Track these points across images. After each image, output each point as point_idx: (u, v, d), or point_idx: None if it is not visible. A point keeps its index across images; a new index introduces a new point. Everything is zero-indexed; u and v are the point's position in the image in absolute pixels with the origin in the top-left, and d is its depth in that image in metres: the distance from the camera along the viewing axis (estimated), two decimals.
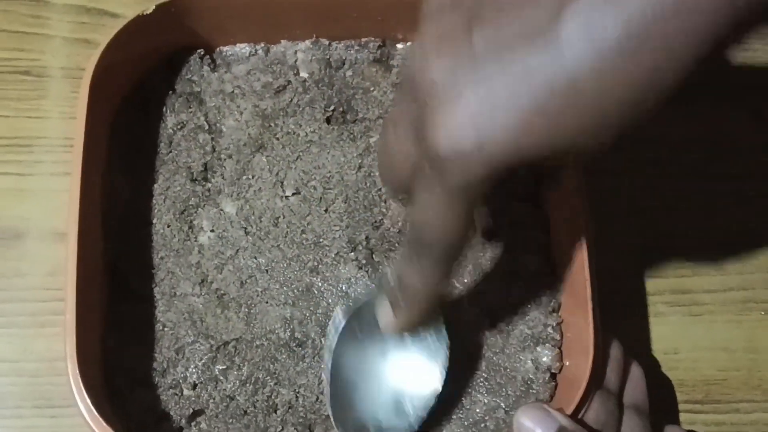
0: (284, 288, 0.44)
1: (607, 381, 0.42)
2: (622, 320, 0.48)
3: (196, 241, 0.45)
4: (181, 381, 0.43)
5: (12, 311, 0.48)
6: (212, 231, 0.46)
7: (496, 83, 0.26)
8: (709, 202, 0.53)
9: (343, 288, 0.45)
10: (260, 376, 0.43)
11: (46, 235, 0.50)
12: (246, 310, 0.44)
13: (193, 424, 0.42)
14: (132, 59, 0.46)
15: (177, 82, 0.48)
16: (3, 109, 0.52)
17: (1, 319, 0.48)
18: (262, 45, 0.49)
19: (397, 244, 0.46)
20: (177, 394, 0.42)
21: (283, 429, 0.42)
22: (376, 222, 0.46)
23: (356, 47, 0.49)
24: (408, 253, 0.33)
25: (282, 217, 0.46)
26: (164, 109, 0.47)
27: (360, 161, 0.47)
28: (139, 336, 0.43)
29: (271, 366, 0.43)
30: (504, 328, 0.44)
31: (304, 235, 0.45)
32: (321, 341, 0.44)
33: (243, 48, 0.49)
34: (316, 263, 0.45)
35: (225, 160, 0.47)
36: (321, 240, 0.45)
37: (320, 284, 0.45)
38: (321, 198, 0.46)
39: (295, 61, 0.49)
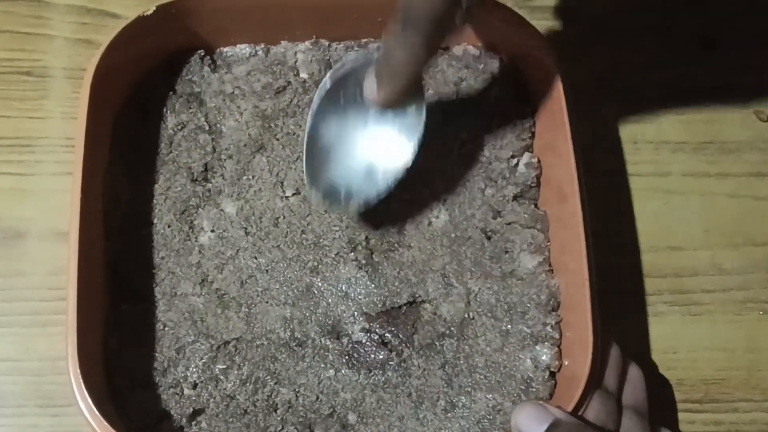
0: (284, 288, 0.45)
1: (606, 381, 0.42)
2: (621, 320, 0.48)
3: (196, 241, 0.46)
4: (181, 380, 0.43)
5: (14, 311, 0.48)
6: (212, 231, 0.46)
7: None
8: (707, 202, 0.53)
9: (343, 288, 0.45)
10: (260, 375, 0.43)
11: (47, 234, 0.50)
12: (246, 309, 0.44)
13: (193, 423, 0.42)
14: (133, 60, 0.46)
15: (177, 83, 0.48)
16: (5, 109, 0.53)
17: (3, 318, 0.48)
18: (263, 46, 0.49)
19: (396, 245, 0.46)
20: (177, 394, 0.43)
21: (283, 428, 0.42)
22: (375, 222, 0.46)
23: (356, 48, 0.49)
24: (396, 27, 0.35)
25: (282, 217, 0.46)
26: (165, 109, 0.48)
27: None
28: (139, 336, 0.43)
29: (271, 365, 0.43)
30: (503, 327, 0.44)
31: (304, 236, 0.46)
32: (321, 341, 0.44)
33: (243, 49, 0.49)
34: (316, 263, 0.45)
35: (225, 160, 0.47)
36: (321, 240, 0.45)
37: (320, 284, 0.45)
38: None
39: (295, 61, 0.49)
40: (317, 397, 0.43)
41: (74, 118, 0.42)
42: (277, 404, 0.43)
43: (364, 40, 0.49)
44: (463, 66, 0.49)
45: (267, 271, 0.45)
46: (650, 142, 0.54)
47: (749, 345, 0.50)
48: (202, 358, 0.43)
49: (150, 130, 0.47)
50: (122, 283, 0.44)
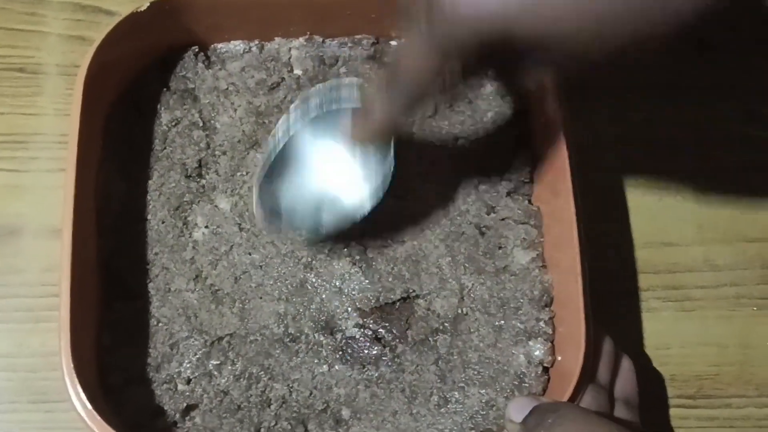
0: (278, 284, 0.45)
1: (599, 375, 0.42)
2: (614, 316, 0.49)
3: (190, 237, 0.46)
4: (175, 376, 0.43)
5: (7, 307, 0.48)
6: (206, 227, 0.46)
7: None
8: (700, 198, 0.53)
9: (337, 284, 0.45)
10: (254, 371, 0.43)
11: (41, 231, 0.50)
12: (240, 305, 0.44)
13: (187, 418, 0.42)
14: (126, 56, 0.46)
15: (171, 79, 0.48)
16: None
17: None
18: (257, 42, 0.49)
19: (389, 241, 0.46)
20: (171, 389, 0.43)
21: (276, 423, 0.42)
22: (369, 218, 0.46)
23: (350, 45, 0.49)
24: (380, 81, 0.37)
25: None
26: (159, 106, 0.48)
27: None
28: (133, 332, 0.43)
29: (265, 361, 0.43)
30: (496, 322, 0.44)
31: (297, 231, 0.46)
32: (315, 337, 0.44)
33: (237, 45, 0.49)
34: (310, 259, 0.45)
35: (219, 156, 0.47)
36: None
37: (314, 280, 0.45)
38: None
39: (289, 58, 0.49)
40: (311, 393, 0.43)
41: (68, 114, 0.42)
42: (270, 399, 0.43)
43: (357, 37, 0.49)
44: None
45: (261, 266, 0.45)
46: (644, 139, 0.54)
47: (742, 341, 0.50)
48: (195, 354, 0.43)
49: (144, 127, 0.47)
50: (116, 279, 0.44)
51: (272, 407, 0.43)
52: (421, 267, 0.45)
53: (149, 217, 0.46)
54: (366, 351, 0.44)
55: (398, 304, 0.45)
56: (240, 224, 0.46)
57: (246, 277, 0.45)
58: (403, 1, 0.35)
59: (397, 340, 0.44)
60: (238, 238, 0.45)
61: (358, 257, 0.45)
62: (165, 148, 0.47)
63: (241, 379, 0.43)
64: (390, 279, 0.45)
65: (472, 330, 0.44)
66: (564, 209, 0.43)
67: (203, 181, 0.47)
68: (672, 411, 0.49)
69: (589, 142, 0.52)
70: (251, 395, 0.43)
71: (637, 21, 0.29)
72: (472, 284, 0.45)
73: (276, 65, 0.49)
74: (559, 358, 0.43)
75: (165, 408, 0.42)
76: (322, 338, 0.44)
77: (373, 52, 0.49)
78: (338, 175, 0.42)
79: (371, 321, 0.45)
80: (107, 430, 0.37)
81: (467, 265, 0.45)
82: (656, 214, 0.52)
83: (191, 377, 0.43)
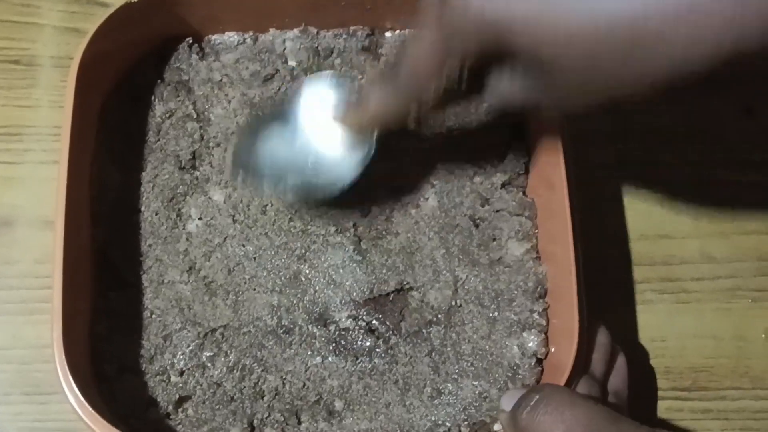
0: (272, 275, 0.45)
1: (593, 367, 0.42)
2: (609, 308, 0.48)
3: (184, 228, 0.46)
4: (168, 367, 0.43)
5: (1, 298, 0.48)
6: (200, 219, 0.46)
7: None
8: (697, 193, 0.53)
9: (331, 275, 0.45)
10: (247, 362, 0.43)
11: (35, 222, 0.50)
12: (233, 297, 0.44)
13: (180, 410, 0.42)
14: (120, 48, 0.46)
15: (165, 71, 0.48)
16: None
17: None
18: (251, 33, 0.49)
19: (384, 232, 0.46)
20: (164, 381, 0.43)
21: (269, 415, 0.42)
22: (363, 209, 0.46)
23: (345, 36, 0.49)
24: (380, 75, 0.38)
25: (270, 204, 0.46)
26: (153, 97, 0.47)
27: None
28: (126, 323, 0.43)
29: (258, 353, 0.43)
30: (490, 314, 0.44)
31: (291, 223, 0.45)
32: (308, 328, 0.44)
33: (231, 36, 0.49)
34: (303, 251, 0.45)
35: (213, 148, 0.47)
36: (308, 227, 0.45)
37: (308, 271, 0.45)
38: None
39: (284, 49, 0.49)
40: (304, 384, 0.43)
41: (63, 106, 0.42)
42: (263, 391, 0.43)
43: (352, 28, 0.49)
44: None
45: (254, 258, 0.45)
46: (640, 132, 0.53)
47: (738, 333, 0.50)
48: (189, 345, 0.43)
49: (138, 118, 0.47)
50: (109, 270, 0.44)
51: (265, 399, 0.43)
52: (415, 259, 0.45)
53: (143, 208, 0.46)
54: (359, 343, 0.44)
55: (392, 295, 0.45)
56: (234, 216, 0.46)
57: (239, 268, 0.45)
58: None
59: (391, 332, 0.44)
60: (231, 230, 0.45)
61: (352, 249, 0.45)
62: (159, 140, 0.47)
63: (234, 371, 0.43)
64: (384, 271, 0.45)
65: (465, 322, 0.44)
66: (559, 201, 0.43)
67: (197, 173, 0.47)
68: (667, 403, 0.48)
69: (585, 134, 0.52)
70: (244, 387, 0.43)
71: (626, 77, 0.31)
72: (466, 276, 0.45)
73: (270, 57, 0.49)
74: (553, 350, 0.43)
75: (158, 399, 0.42)
76: (315, 330, 0.44)
77: (368, 44, 0.49)
78: (318, 148, 0.42)
79: (365, 313, 0.44)
80: (100, 422, 0.37)
81: (461, 257, 0.45)
82: (652, 206, 0.52)
83: (184, 369, 0.43)
